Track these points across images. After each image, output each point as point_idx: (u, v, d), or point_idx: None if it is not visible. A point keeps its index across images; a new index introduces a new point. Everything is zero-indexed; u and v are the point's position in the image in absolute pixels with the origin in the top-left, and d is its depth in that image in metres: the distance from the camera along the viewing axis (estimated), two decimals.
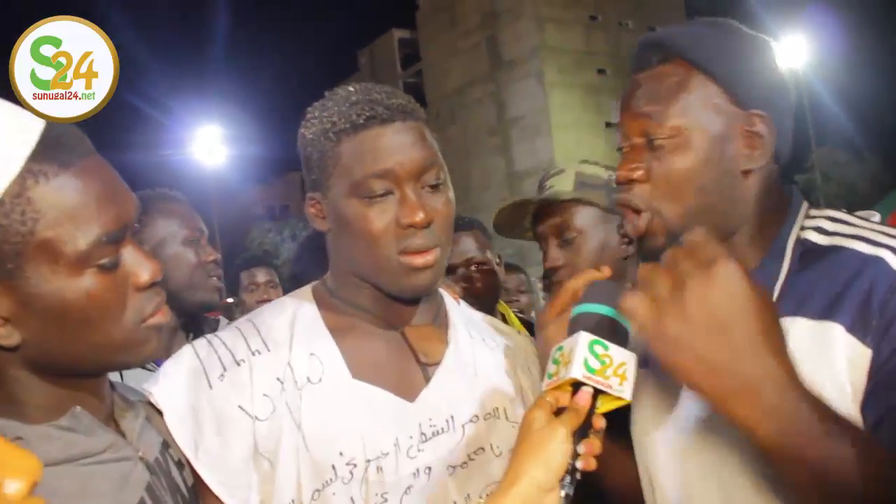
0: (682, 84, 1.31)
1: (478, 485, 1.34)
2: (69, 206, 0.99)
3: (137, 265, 1.08)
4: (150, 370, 1.92)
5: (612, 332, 1.17)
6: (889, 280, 1.15)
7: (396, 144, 1.28)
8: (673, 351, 0.99)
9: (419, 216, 1.26)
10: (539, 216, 2.10)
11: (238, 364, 1.32)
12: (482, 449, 1.36)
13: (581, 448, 1.10)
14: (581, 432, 1.11)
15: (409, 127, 1.31)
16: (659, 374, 1.36)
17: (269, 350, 1.34)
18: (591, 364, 1.12)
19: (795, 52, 26.11)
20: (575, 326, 1.19)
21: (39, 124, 1.00)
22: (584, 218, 2.01)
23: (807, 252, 1.28)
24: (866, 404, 1.13)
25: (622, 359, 1.15)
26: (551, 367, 1.18)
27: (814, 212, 1.35)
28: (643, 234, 1.34)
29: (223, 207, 35.43)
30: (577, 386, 1.13)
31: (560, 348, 1.18)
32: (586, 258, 1.98)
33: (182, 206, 2.49)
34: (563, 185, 2.05)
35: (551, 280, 2.02)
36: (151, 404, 1.28)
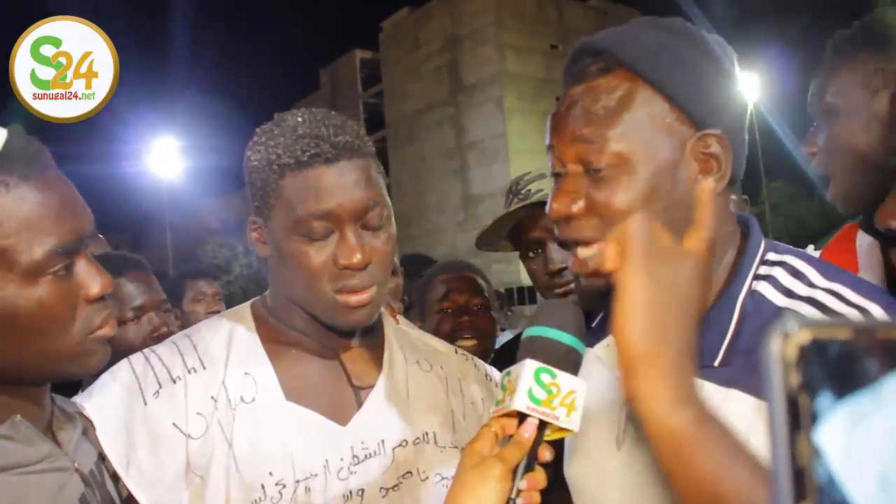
0: (626, 101, 1.12)
1: None
2: (27, 216, 1.01)
3: (89, 278, 1.09)
4: None
5: (564, 358, 1.10)
6: None
7: (339, 185, 1.26)
8: (632, 300, 0.91)
9: (356, 258, 1.26)
10: (531, 222, 2.04)
11: (174, 382, 1.32)
12: (410, 473, 1.38)
13: (523, 484, 1.05)
14: (526, 465, 1.06)
15: (354, 166, 1.29)
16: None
17: (204, 368, 1.34)
18: (536, 394, 1.06)
19: (749, 88, 26.83)
20: (523, 351, 1.11)
21: (2, 135, 1.02)
22: None
23: (757, 309, 1.13)
24: None
25: (571, 387, 1.07)
26: (498, 394, 1.12)
27: (772, 255, 1.20)
28: (592, 272, 1.15)
29: (177, 220, 34.90)
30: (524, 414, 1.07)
31: (508, 373, 1.12)
32: None
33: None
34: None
35: (557, 282, 1.98)
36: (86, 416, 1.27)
